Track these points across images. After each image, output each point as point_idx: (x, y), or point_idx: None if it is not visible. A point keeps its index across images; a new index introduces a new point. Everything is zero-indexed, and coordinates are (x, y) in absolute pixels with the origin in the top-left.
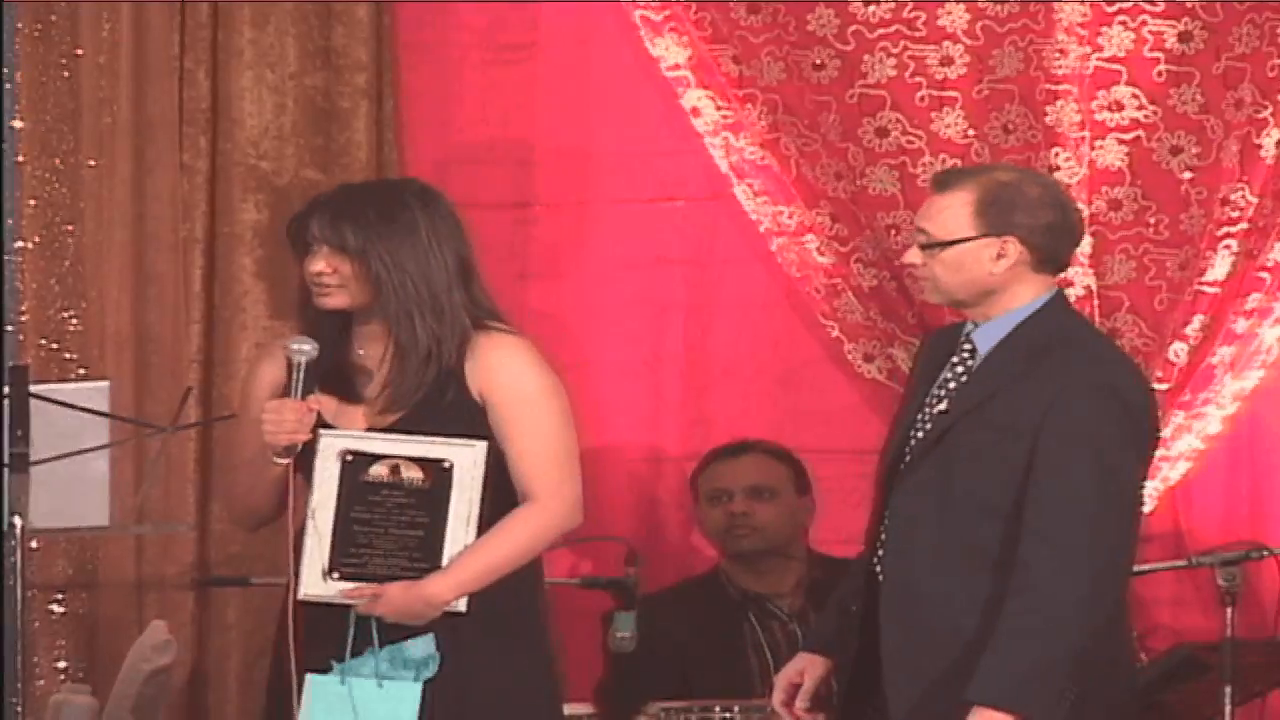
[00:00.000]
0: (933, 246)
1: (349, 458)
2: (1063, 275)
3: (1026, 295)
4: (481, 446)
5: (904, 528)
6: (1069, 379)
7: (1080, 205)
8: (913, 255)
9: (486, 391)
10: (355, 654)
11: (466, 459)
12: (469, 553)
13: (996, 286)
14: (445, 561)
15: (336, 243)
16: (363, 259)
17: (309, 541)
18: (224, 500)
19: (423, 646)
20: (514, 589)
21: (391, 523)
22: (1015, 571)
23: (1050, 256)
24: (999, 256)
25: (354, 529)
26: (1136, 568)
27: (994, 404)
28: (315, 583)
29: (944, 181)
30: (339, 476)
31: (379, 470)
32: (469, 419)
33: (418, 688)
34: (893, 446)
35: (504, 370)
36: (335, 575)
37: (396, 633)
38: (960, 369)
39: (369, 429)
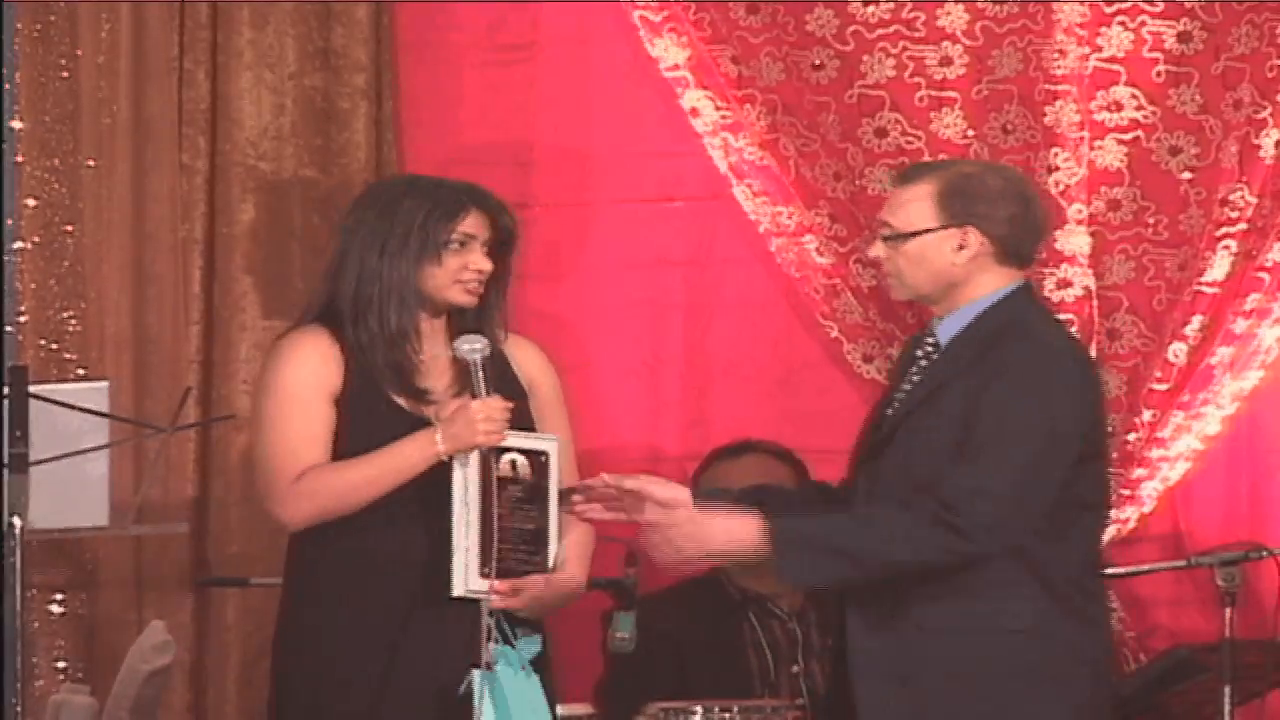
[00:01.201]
0: (895, 239)
1: (489, 453)
2: (1063, 276)
3: (989, 287)
4: (555, 438)
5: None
6: (1008, 362)
7: (1079, 205)
8: (876, 249)
9: (532, 384)
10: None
11: (553, 450)
12: (580, 548)
13: (960, 278)
14: (552, 552)
15: (504, 243)
16: (506, 258)
17: (457, 539)
18: (322, 497)
19: (536, 643)
20: None
21: (515, 516)
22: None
23: (1013, 249)
24: (960, 247)
25: (495, 525)
26: (1135, 567)
27: (944, 393)
28: (473, 580)
29: (907, 175)
30: (479, 471)
31: (503, 465)
32: (526, 401)
33: (538, 681)
34: (856, 447)
35: (545, 368)
36: (486, 571)
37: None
38: (924, 361)
39: None
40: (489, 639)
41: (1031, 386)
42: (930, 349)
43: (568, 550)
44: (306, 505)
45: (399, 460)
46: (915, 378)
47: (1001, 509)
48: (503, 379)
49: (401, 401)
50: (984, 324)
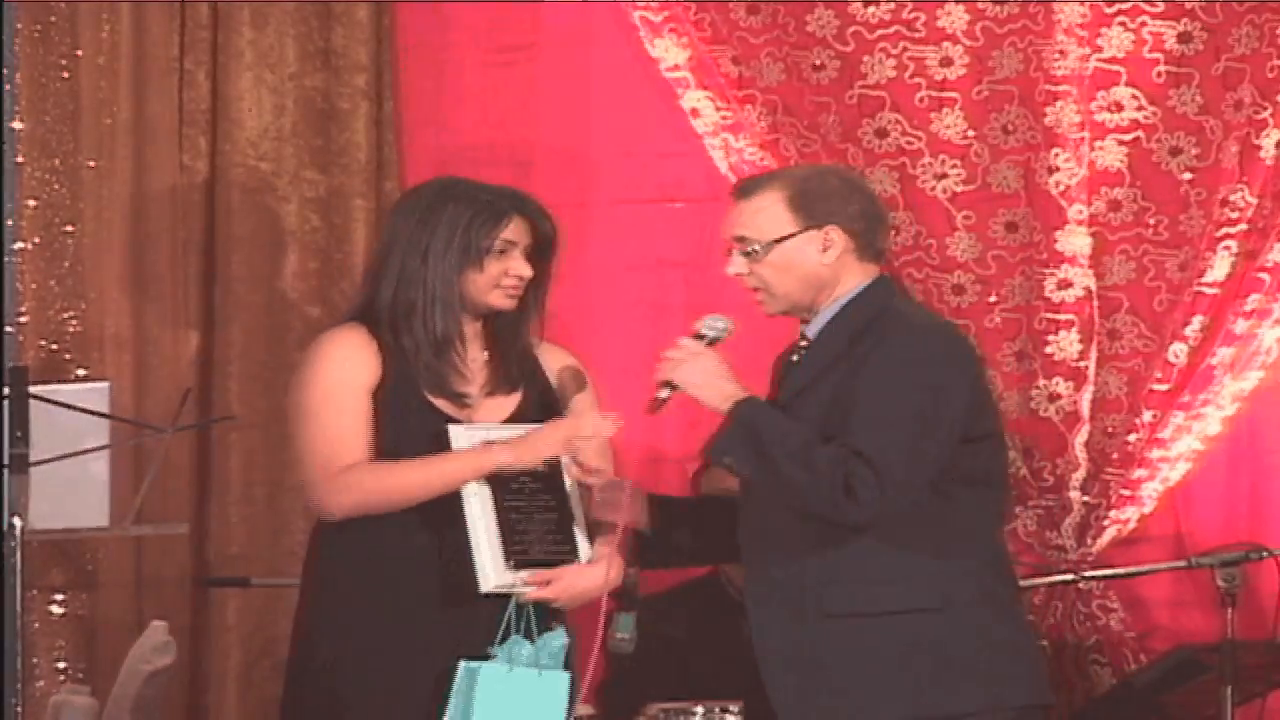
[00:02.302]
0: (756, 250)
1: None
2: (1064, 276)
3: (852, 285)
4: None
5: (755, 521)
6: (888, 343)
7: (1080, 205)
8: (736, 266)
9: (562, 390)
10: (502, 641)
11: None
12: (610, 541)
13: (829, 279)
14: (579, 541)
15: (545, 248)
16: (546, 263)
17: (475, 535)
18: (368, 492)
19: (561, 636)
20: None
21: (534, 507)
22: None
23: (869, 243)
24: (825, 248)
25: (511, 517)
26: (1135, 568)
27: (818, 385)
28: (500, 573)
29: (746, 189)
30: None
31: None
32: (558, 404)
33: (567, 676)
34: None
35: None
36: (511, 564)
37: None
38: (798, 361)
39: (506, 418)
40: (512, 630)
41: (907, 363)
42: (803, 348)
43: (601, 547)
44: (350, 497)
45: (453, 470)
46: (792, 373)
47: (884, 480)
48: (533, 383)
49: (439, 403)
50: (849, 315)
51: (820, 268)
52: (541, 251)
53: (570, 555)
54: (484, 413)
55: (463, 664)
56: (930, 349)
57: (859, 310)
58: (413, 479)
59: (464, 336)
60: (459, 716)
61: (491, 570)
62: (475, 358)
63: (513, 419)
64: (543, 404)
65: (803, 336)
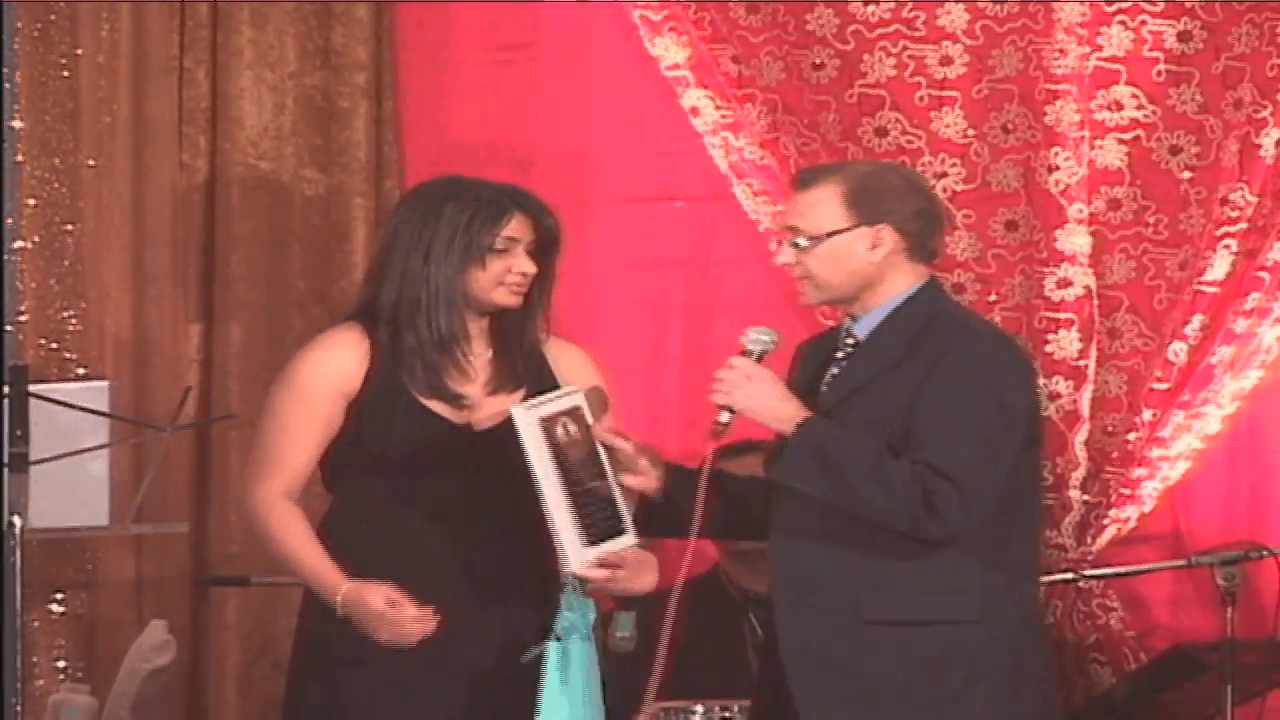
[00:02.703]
0: (807, 242)
1: (545, 423)
2: (1063, 275)
3: (902, 284)
4: (580, 390)
5: (791, 520)
6: (950, 350)
7: (1080, 205)
8: (785, 256)
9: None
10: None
11: (582, 400)
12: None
13: (875, 277)
14: (624, 514)
15: (548, 245)
16: (550, 260)
17: (557, 517)
18: (267, 540)
19: (591, 610)
20: None
21: (586, 477)
22: (925, 468)
23: (922, 244)
24: (874, 245)
25: (577, 494)
26: (1135, 567)
27: (872, 388)
28: (581, 552)
29: (806, 180)
30: (546, 444)
31: (560, 432)
32: None
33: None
34: (773, 445)
35: (583, 371)
36: (587, 542)
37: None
38: (845, 360)
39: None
40: (565, 609)
41: (978, 373)
42: (850, 347)
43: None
44: (259, 525)
45: (312, 579)
46: (835, 372)
47: (968, 495)
48: (539, 380)
49: (432, 404)
50: (903, 318)
51: (867, 265)
52: (545, 248)
53: (622, 528)
54: (485, 412)
55: (550, 644)
56: (999, 358)
57: (912, 313)
58: (290, 559)
59: (468, 335)
60: (558, 691)
61: (575, 550)
62: (480, 355)
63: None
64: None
65: (847, 334)
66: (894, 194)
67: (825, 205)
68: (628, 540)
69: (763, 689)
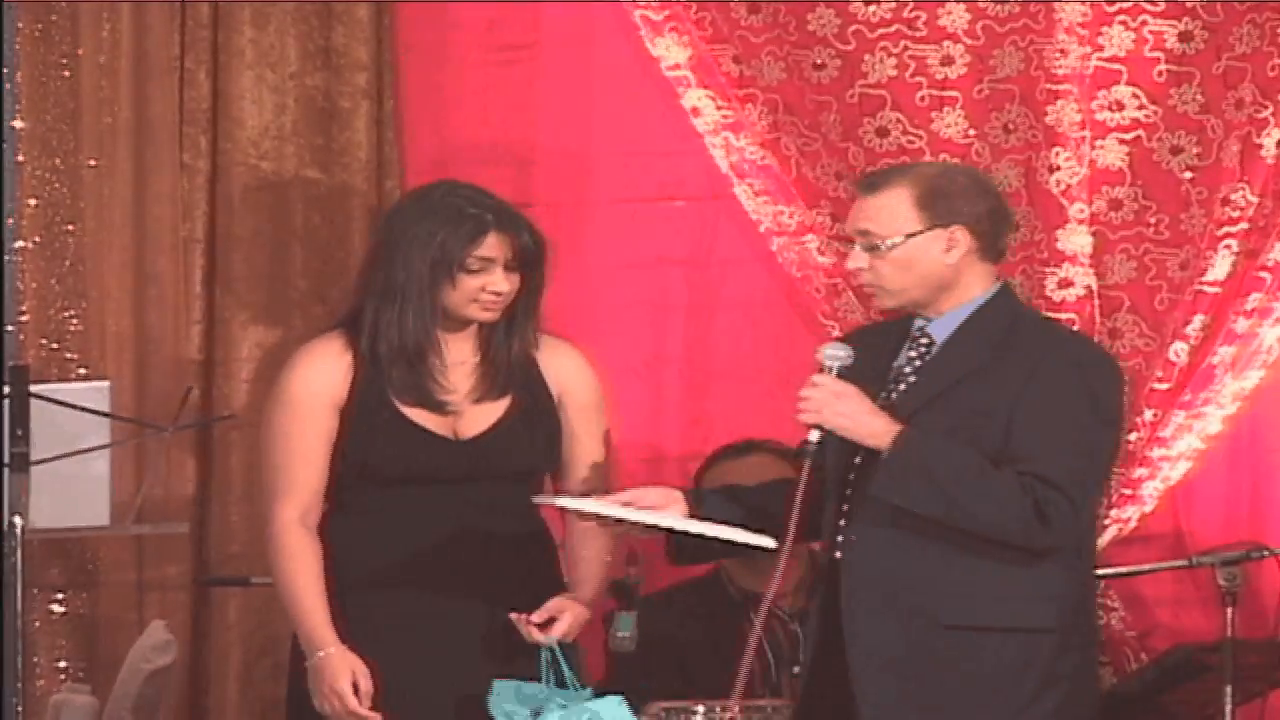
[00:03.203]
0: (880, 246)
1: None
2: (1064, 276)
3: (977, 287)
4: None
5: (867, 527)
6: (1044, 357)
7: (1080, 205)
8: (857, 260)
9: (563, 392)
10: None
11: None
12: (595, 573)
13: (950, 280)
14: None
15: (529, 260)
16: (531, 275)
17: (713, 533)
18: (273, 569)
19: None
20: None
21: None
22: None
23: (993, 243)
24: (949, 248)
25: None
26: (1136, 567)
27: (959, 390)
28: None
29: (873, 184)
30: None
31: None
32: (554, 407)
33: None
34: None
35: (577, 374)
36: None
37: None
38: (919, 361)
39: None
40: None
41: (1081, 381)
42: (924, 348)
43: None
44: (270, 550)
45: (302, 624)
46: (910, 375)
47: (1079, 505)
48: (527, 387)
49: (414, 414)
50: (983, 321)
51: (943, 268)
52: (527, 263)
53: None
54: (469, 420)
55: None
56: (1094, 363)
57: (993, 317)
58: (286, 597)
59: (440, 348)
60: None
61: (756, 537)
62: (465, 362)
63: (498, 425)
64: (534, 409)
65: (921, 334)
66: (963, 194)
67: (896, 208)
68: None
69: (811, 691)
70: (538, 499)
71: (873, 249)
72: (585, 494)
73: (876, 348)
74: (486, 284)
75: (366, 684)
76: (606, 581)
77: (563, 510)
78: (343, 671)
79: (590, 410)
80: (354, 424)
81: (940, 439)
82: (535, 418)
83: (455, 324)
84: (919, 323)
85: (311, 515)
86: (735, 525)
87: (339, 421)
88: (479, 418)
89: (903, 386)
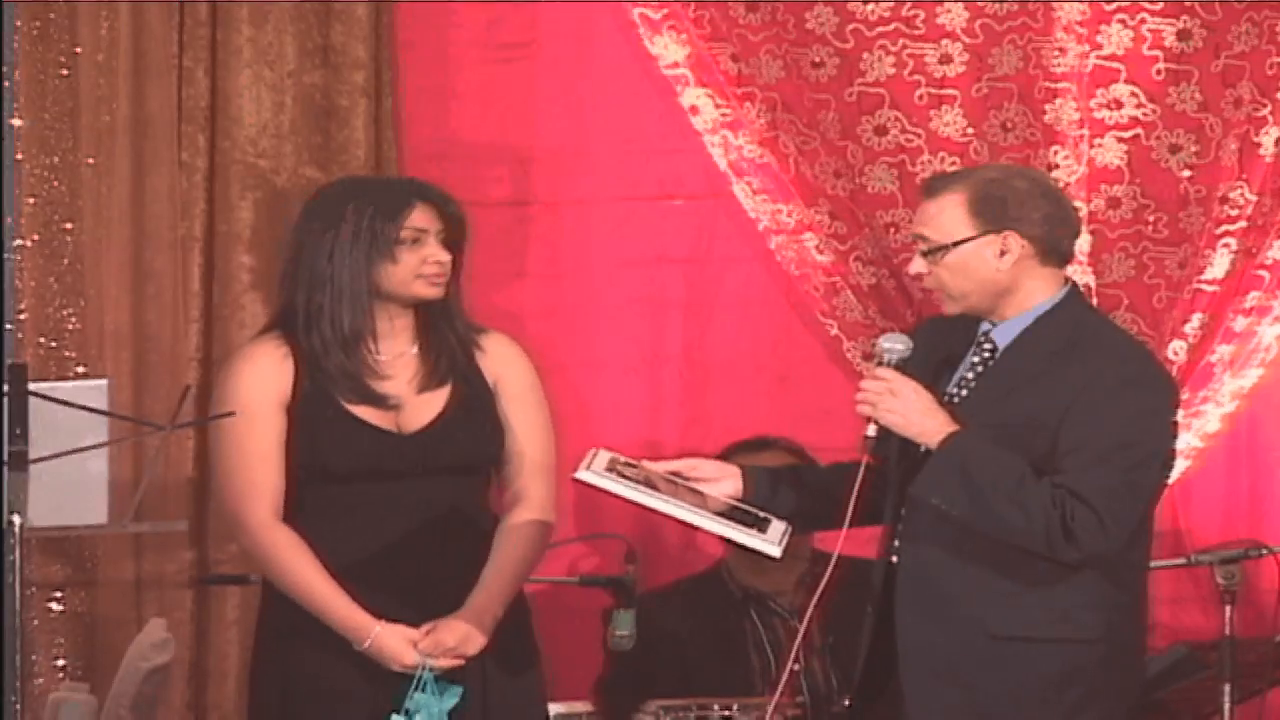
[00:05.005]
0: (934, 252)
1: (611, 470)
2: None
3: (1040, 292)
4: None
5: (925, 521)
6: (1097, 370)
7: (1079, 203)
8: (917, 265)
9: (500, 380)
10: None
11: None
12: (498, 583)
13: (1007, 285)
14: (746, 509)
15: (456, 234)
16: (458, 251)
17: (713, 529)
18: (268, 568)
19: (455, 695)
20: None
21: (685, 494)
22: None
23: (1053, 248)
24: (1002, 253)
25: (698, 506)
26: None
27: (1013, 399)
28: (768, 543)
29: (932, 188)
30: (634, 485)
31: (630, 471)
32: (492, 397)
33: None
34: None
35: (511, 361)
36: (762, 536)
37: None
38: (980, 367)
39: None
40: (416, 688)
41: (1128, 398)
42: (987, 353)
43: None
44: (258, 555)
45: (336, 619)
46: (972, 380)
47: (1108, 522)
48: (467, 376)
49: (358, 410)
50: (1047, 328)
51: (997, 274)
52: (452, 238)
53: (758, 521)
54: (411, 412)
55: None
56: (1145, 381)
57: (1056, 324)
58: (300, 592)
59: (376, 333)
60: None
61: (764, 545)
62: (404, 352)
63: (440, 415)
64: (473, 399)
65: (985, 338)
66: (1018, 200)
67: (950, 213)
68: (780, 526)
69: (863, 691)
70: (578, 474)
71: (929, 254)
72: (631, 461)
73: (947, 340)
74: (426, 256)
75: (427, 641)
76: (514, 589)
77: (590, 486)
78: (404, 650)
79: (524, 396)
80: (300, 422)
81: (988, 445)
82: (475, 407)
83: (395, 309)
84: (985, 326)
85: (279, 513)
86: (787, 511)
87: (287, 421)
88: (421, 410)
89: (964, 392)
